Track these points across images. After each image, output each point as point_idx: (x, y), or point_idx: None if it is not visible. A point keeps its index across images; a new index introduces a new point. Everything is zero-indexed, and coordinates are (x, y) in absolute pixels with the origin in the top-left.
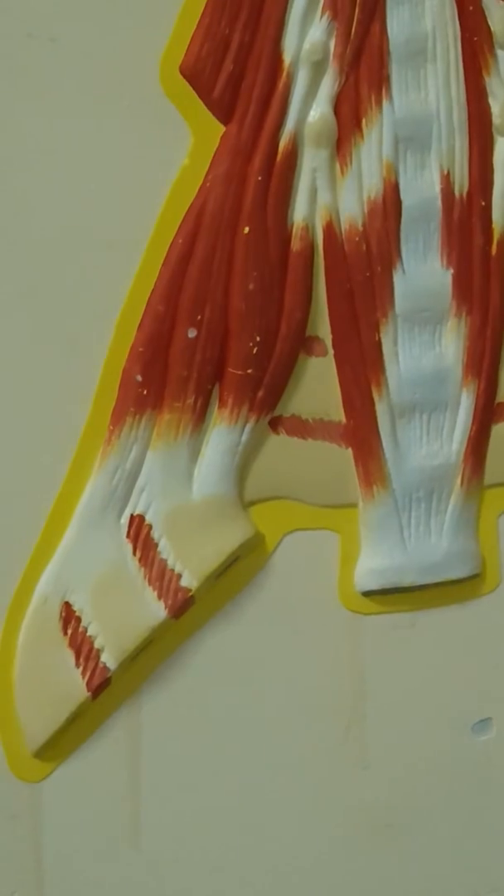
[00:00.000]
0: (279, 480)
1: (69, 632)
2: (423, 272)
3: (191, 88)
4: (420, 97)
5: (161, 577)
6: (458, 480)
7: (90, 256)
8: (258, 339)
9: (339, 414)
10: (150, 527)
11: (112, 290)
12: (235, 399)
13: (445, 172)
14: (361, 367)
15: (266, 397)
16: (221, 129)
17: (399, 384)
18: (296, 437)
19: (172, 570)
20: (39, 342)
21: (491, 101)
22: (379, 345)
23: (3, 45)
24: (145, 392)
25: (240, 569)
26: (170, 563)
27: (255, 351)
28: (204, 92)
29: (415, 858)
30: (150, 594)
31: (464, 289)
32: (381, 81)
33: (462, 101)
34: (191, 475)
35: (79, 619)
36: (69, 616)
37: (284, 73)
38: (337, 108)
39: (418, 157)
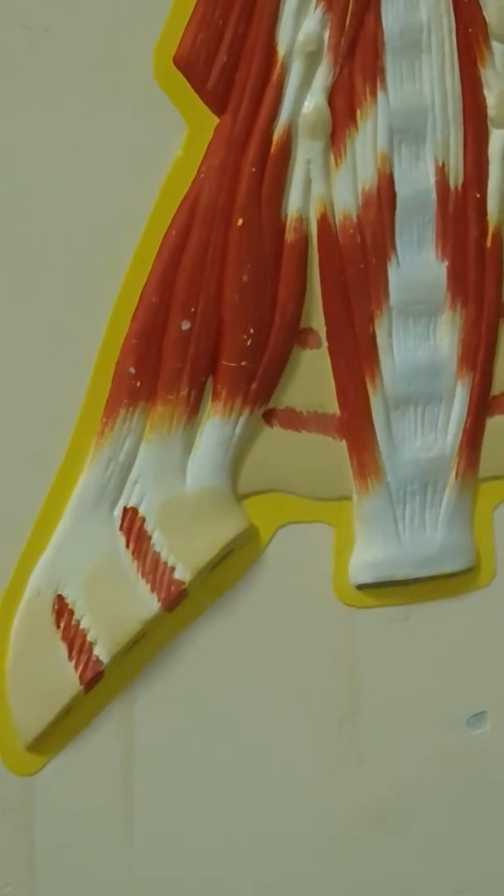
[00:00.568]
0: (273, 473)
1: (62, 625)
2: (418, 264)
3: (185, 79)
4: (415, 88)
5: (154, 569)
6: (453, 473)
7: (83, 248)
8: (252, 331)
9: (333, 406)
10: (144, 519)
11: (105, 282)
12: (229, 391)
13: (440, 164)
14: (356, 360)
15: (260, 389)
16: (215, 120)
17: (393, 376)
18: (290, 430)
19: (166, 563)
20: (32, 334)
21: (486, 92)
22: (373, 337)
23: None
24: (139, 384)
25: (233, 562)
26: (163, 555)
27: (248, 343)
28: (198, 83)
29: (408, 852)
30: (144, 587)
31: (458, 281)
32: (375, 73)
33: (457, 93)
34: (184, 468)
35: (72, 612)
36: (62, 609)
37: (279, 65)
38: (331, 99)
39: (413, 148)
